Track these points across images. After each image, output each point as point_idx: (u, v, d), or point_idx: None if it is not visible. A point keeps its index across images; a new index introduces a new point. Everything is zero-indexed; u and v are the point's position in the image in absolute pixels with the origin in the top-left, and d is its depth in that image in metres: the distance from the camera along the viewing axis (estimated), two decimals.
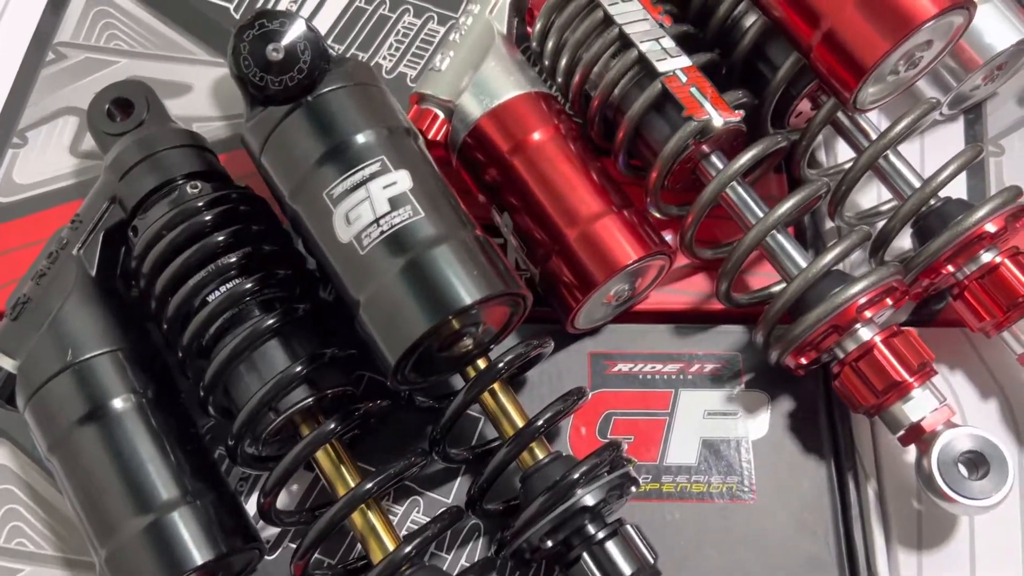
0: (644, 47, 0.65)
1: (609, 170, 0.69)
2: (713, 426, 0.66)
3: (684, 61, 0.65)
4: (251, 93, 0.54)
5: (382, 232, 0.52)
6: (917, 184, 0.65)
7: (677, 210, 0.71)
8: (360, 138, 0.54)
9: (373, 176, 0.53)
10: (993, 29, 0.69)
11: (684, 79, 0.64)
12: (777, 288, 0.69)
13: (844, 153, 0.73)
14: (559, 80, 0.70)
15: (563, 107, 0.70)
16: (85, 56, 0.79)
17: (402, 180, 0.53)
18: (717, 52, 0.69)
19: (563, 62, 0.69)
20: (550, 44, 0.70)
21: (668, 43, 0.66)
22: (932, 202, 0.64)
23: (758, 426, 0.66)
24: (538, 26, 0.70)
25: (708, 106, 0.63)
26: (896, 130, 0.63)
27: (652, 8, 0.67)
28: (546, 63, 0.71)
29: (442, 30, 0.80)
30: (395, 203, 0.53)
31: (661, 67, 0.65)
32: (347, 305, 0.54)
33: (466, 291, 0.52)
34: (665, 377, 0.68)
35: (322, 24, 0.81)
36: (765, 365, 0.65)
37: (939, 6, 0.55)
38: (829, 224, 0.72)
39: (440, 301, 0.51)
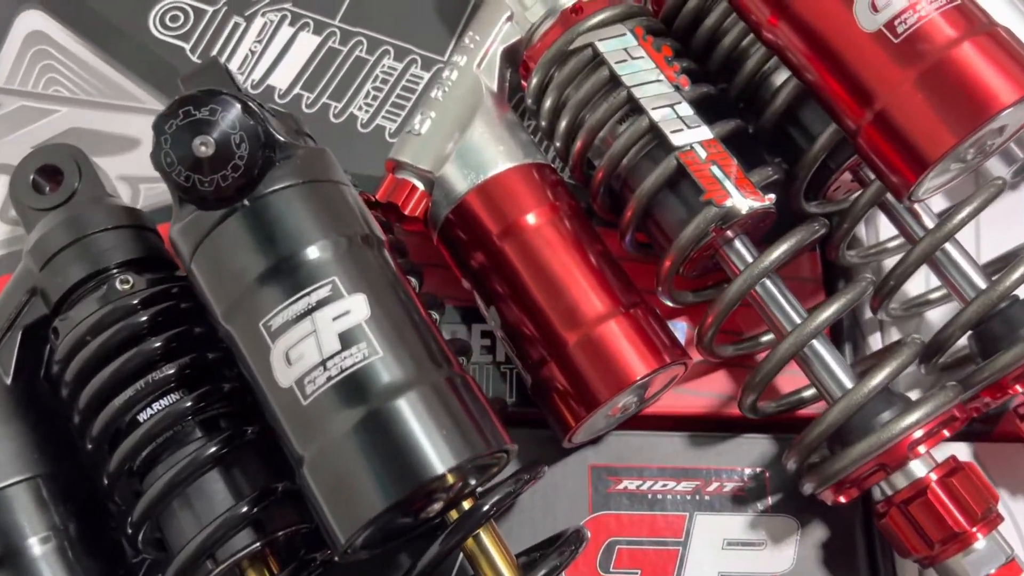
0: (656, 115, 0.55)
1: (613, 248, 0.59)
2: (735, 559, 0.57)
3: (704, 133, 0.55)
4: (177, 194, 0.44)
5: (330, 378, 0.42)
6: (978, 280, 0.55)
7: (694, 297, 0.61)
8: (308, 253, 0.44)
9: (321, 304, 0.43)
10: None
11: (703, 155, 0.54)
12: (809, 393, 0.59)
13: (887, 227, 0.63)
14: (558, 144, 0.60)
15: (561, 178, 0.60)
16: (21, 104, 0.70)
17: (357, 308, 0.43)
18: (743, 115, 0.60)
19: (563, 124, 0.59)
20: (548, 103, 0.60)
21: (685, 110, 0.55)
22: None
23: (784, 559, 0.57)
24: (534, 81, 0.60)
25: (731, 188, 0.53)
26: (956, 220, 0.53)
27: (666, 67, 0.57)
28: (543, 123, 0.61)
29: (427, 76, 0.70)
30: (347, 339, 0.42)
31: (676, 140, 0.55)
32: (290, 458, 0.44)
33: (437, 456, 0.41)
34: (679, 497, 0.58)
35: (290, 68, 0.71)
36: (795, 484, 0.56)
37: (1022, 90, 0.45)
38: (869, 312, 0.62)
39: (404, 470, 0.41)
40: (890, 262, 0.62)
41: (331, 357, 0.42)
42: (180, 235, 0.46)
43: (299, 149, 0.46)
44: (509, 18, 0.62)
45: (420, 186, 0.59)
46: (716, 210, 0.53)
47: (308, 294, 0.43)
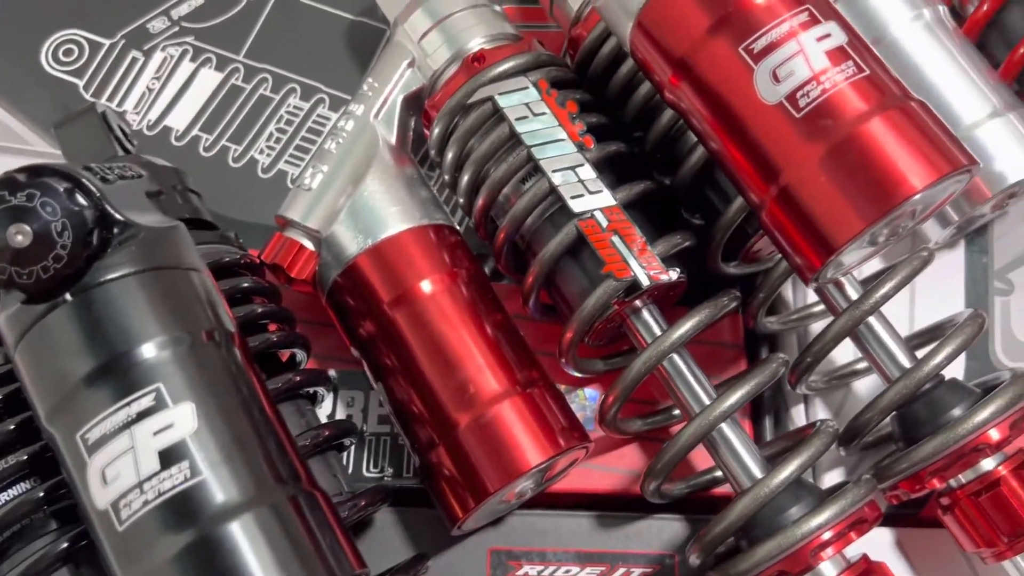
0: (557, 178, 0.51)
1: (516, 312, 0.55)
2: None
3: (606, 199, 0.51)
4: None
5: (146, 502, 0.37)
6: (902, 357, 0.51)
7: (603, 365, 0.57)
8: (135, 355, 0.39)
9: (142, 415, 0.38)
10: (1006, 154, 0.55)
11: (604, 223, 0.50)
12: (721, 472, 0.55)
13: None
14: (461, 199, 0.56)
15: (462, 239, 0.56)
16: None
17: (182, 420, 0.38)
18: (661, 166, 0.56)
19: (465, 179, 0.55)
20: (450, 155, 0.56)
21: (587, 173, 0.51)
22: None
23: None
24: (436, 131, 0.56)
25: (632, 262, 0.49)
26: (876, 297, 0.50)
27: (570, 125, 0.52)
28: (446, 176, 0.57)
29: (334, 117, 0.66)
30: (168, 457, 0.38)
31: (576, 206, 0.51)
32: None
33: None
34: None
35: (190, 108, 0.66)
36: None
37: (935, 173, 0.41)
38: None
39: None
40: (818, 326, 0.58)
41: (149, 478, 0.37)
42: (5, 323, 0.41)
43: (142, 230, 0.42)
44: (411, 64, 0.58)
45: (309, 246, 0.55)
46: (615, 284, 0.49)
47: (128, 404, 0.38)
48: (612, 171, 0.54)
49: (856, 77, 0.42)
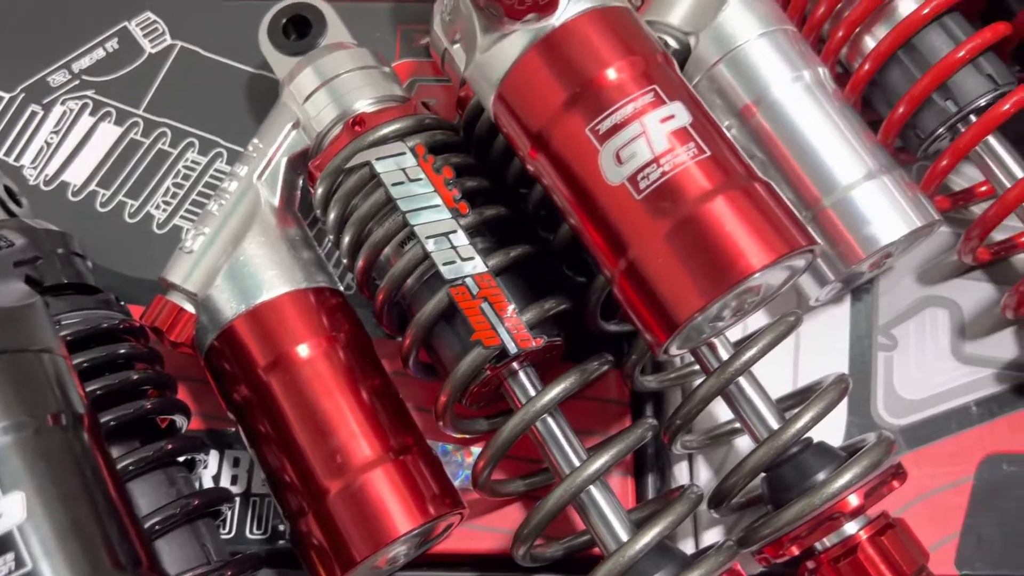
0: (430, 245, 0.52)
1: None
2: None
3: (477, 266, 0.51)
4: None
5: None
6: (770, 418, 0.52)
7: (487, 425, 0.58)
8: None
9: None
10: (879, 216, 0.56)
11: (475, 291, 0.51)
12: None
13: None
14: (344, 259, 0.57)
15: (344, 301, 0.57)
16: None
17: (10, 511, 0.37)
18: (545, 223, 0.56)
19: (346, 239, 0.55)
20: (332, 215, 0.56)
21: (460, 239, 0.52)
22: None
23: None
24: (319, 191, 0.56)
25: (501, 330, 0.50)
26: (744, 359, 0.50)
27: (445, 190, 0.53)
28: (331, 236, 0.57)
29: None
30: None
31: (448, 273, 0.51)
32: None
33: None
34: None
35: (88, 162, 0.67)
36: None
37: (773, 254, 0.42)
38: None
39: None
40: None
41: None
42: None
43: None
44: (295, 125, 0.59)
45: (189, 309, 0.55)
46: (484, 352, 0.50)
47: None
48: (492, 234, 0.54)
49: (697, 159, 0.43)
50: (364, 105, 0.57)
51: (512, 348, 0.50)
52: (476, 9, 0.47)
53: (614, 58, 0.45)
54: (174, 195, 0.66)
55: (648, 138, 0.42)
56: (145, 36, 0.70)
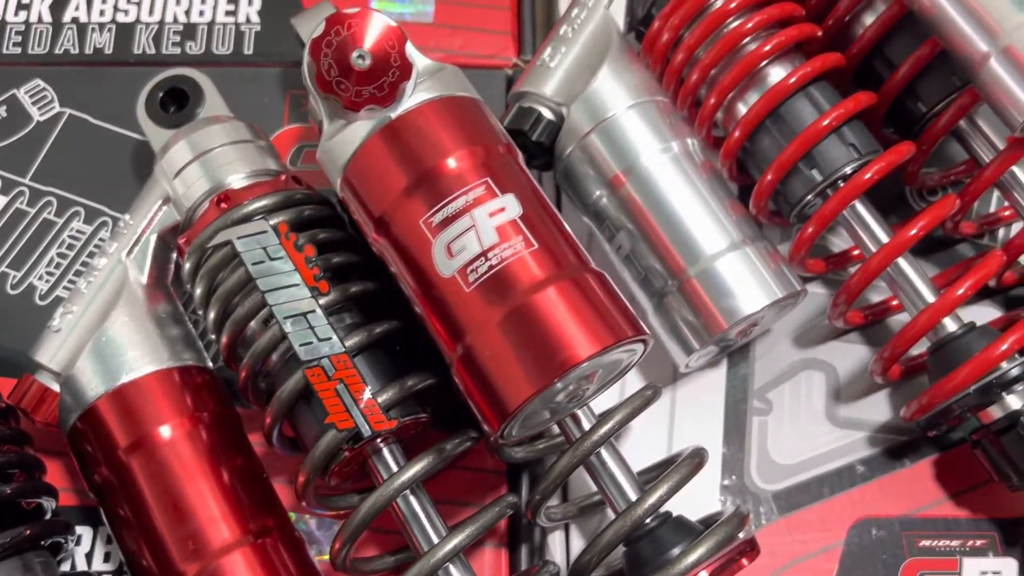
0: (288, 325, 0.52)
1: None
2: None
3: (334, 347, 0.51)
4: None
5: None
6: (630, 490, 0.52)
7: (359, 499, 0.57)
8: None
9: None
10: (741, 287, 0.56)
11: (331, 372, 0.51)
12: None
13: None
14: (212, 335, 0.57)
15: (212, 379, 0.57)
16: None
17: None
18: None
19: (211, 315, 0.55)
20: (198, 291, 0.56)
21: (318, 319, 0.52)
22: (648, 520, 0.51)
23: None
24: (187, 266, 0.57)
25: (355, 413, 0.50)
26: (600, 433, 0.50)
27: (306, 269, 0.53)
28: (199, 311, 0.57)
29: None
30: None
31: (305, 354, 0.51)
32: None
33: None
34: None
35: None
36: None
37: (598, 344, 0.42)
38: None
39: None
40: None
41: None
42: None
43: None
44: (166, 201, 0.59)
45: (55, 388, 0.55)
46: (337, 436, 0.50)
47: None
48: (360, 309, 0.54)
49: (524, 252, 0.43)
50: (236, 179, 0.58)
51: (366, 431, 0.50)
52: (320, 97, 0.47)
53: (451, 149, 0.46)
54: (58, 265, 0.66)
55: (477, 231, 0.43)
56: (34, 104, 0.70)
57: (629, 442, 0.61)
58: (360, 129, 0.47)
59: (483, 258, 0.43)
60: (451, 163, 0.46)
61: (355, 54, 0.45)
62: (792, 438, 0.61)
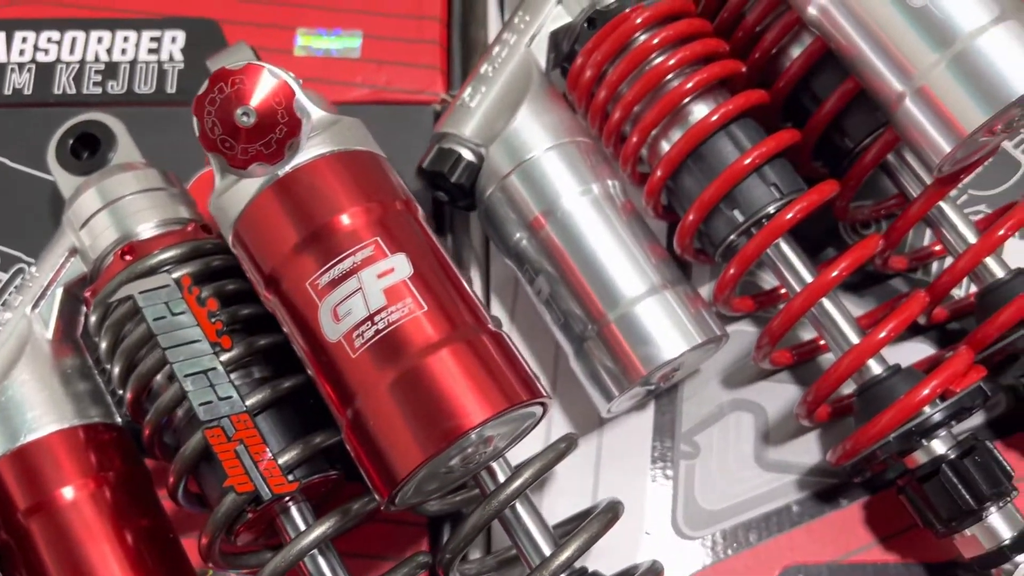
0: (187, 384, 0.50)
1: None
2: None
3: (235, 406, 0.50)
4: None
5: None
6: (544, 545, 0.51)
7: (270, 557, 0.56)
8: None
9: None
10: (660, 332, 0.55)
11: (231, 432, 0.50)
12: None
13: None
14: (119, 391, 0.55)
15: (118, 436, 0.55)
16: None
17: None
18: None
19: (115, 371, 0.54)
20: (103, 345, 0.55)
21: (219, 378, 0.51)
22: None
23: None
24: (92, 320, 0.55)
25: (255, 475, 0.49)
26: (512, 488, 0.48)
27: (208, 324, 0.52)
28: (106, 366, 0.56)
29: None
30: None
31: (204, 413, 0.50)
32: None
33: None
34: None
35: None
36: None
37: (492, 409, 0.41)
38: None
39: None
40: None
41: None
42: None
43: None
44: (73, 252, 0.57)
45: None
46: (236, 500, 0.49)
47: None
48: (268, 364, 0.53)
49: (413, 315, 0.42)
50: (146, 229, 0.56)
51: (265, 494, 0.49)
52: (209, 154, 0.46)
53: (342, 206, 0.44)
54: None
55: (364, 294, 0.42)
56: None
57: (555, 488, 0.60)
58: (250, 185, 0.46)
59: (369, 322, 0.41)
60: (342, 221, 0.44)
61: (239, 111, 0.44)
62: (720, 483, 0.60)
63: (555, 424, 0.61)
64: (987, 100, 0.49)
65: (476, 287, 0.65)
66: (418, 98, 0.71)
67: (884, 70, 0.52)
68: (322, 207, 0.44)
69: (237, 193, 0.46)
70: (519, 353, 0.45)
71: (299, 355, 0.45)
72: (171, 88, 0.70)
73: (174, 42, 0.71)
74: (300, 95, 0.45)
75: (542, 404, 0.43)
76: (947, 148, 0.50)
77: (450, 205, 0.63)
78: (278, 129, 0.44)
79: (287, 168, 0.45)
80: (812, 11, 0.54)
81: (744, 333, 0.63)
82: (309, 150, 0.45)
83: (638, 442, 0.61)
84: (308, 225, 0.44)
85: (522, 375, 0.43)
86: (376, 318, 0.42)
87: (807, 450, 0.60)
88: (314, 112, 0.46)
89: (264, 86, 0.44)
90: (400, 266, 0.43)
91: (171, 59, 0.71)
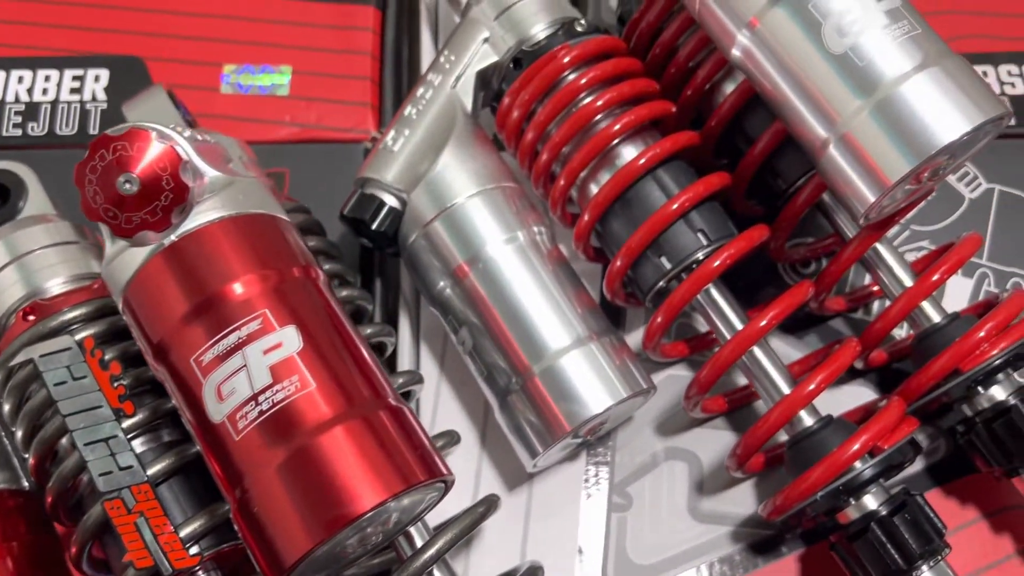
0: (87, 453, 0.48)
1: None
2: None
3: (136, 477, 0.48)
4: None
5: None
6: None
7: None
8: None
9: None
10: (585, 387, 0.53)
11: (131, 504, 0.48)
12: None
13: None
14: (25, 455, 0.53)
15: (24, 502, 0.54)
16: None
17: None
18: None
19: (19, 433, 0.52)
20: (7, 407, 0.53)
21: (120, 445, 0.49)
22: None
23: None
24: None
25: (155, 549, 0.47)
26: (428, 554, 0.47)
27: (110, 389, 0.50)
28: (12, 429, 0.54)
29: None
30: None
31: (104, 484, 0.48)
32: None
33: None
34: None
35: None
36: None
37: (387, 491, 0.39)
38: None
39: None
40: None
41: None
42: None
43: None
44: None
45: None
46: (136, 575, 0.47)
47: None
48: (176, 426, 0.51)
49: (301, 393, 0.40)
50: (54, 285, 0.54)
51: (166, 569, 0.47)
52: (96, 220, 0.44)
53: (232, 275, 0.43)
54: None
55: (249, 372, 0.40)
56: None
57: (483, 544, 0.58)
58: (138, 253, 0.44)
59: (253, 402, 0.40)
60: (232, 290, 0.42)
61: (121, 179, 0.42)
62: (652, 535, 0.58)
63: (484, 477, 0.59)
64: (912, 149, 0.47)
65: (405, 334, 0.64)
66: (349, 136, 0.69)
67: (808, 115, 0.50)
68: (212, 275, 0.43)
69: (125, 260, 0.44)
70: (421, 428, 0.43)
71: (186, 428, 0.44)
72: (94, 129, 0.68)
73: (97, 81, 0.70)
74: (191, 157, 0.43)
75: (443, 482, 0.41)
76: (871, 198, 0.49)
77: (376, 251, 0.61)
78: (163, 196, 0.42)
79: (175, 235, 0.43)
80: (736, 52, 0.53)
81: (679, 378, 0.61)
82: (200, 215, 0.43)
83: (569, 493, 0.59)
84: (196, 295, 0.42)
85: (421, 452, 0.41)
86: (260, 398, 0.40)
87: (742, 500, 0.59)
88: (208, 173, 0.44)
89: (149, 152, 0.42)
90: (289, 340, 0.41)
91: (94, 99, 0.69)
